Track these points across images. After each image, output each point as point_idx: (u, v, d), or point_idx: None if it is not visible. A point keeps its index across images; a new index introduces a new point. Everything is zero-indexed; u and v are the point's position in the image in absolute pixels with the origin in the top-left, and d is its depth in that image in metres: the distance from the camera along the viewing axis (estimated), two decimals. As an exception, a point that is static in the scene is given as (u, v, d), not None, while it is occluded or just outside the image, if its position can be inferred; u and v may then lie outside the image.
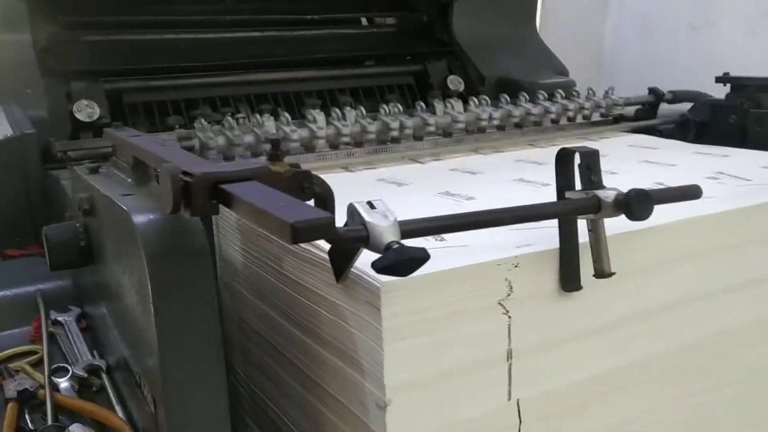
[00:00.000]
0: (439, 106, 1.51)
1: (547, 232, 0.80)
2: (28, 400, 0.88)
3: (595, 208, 0.75)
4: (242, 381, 1.10)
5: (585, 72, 3.23)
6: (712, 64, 1.71)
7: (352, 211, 0.67)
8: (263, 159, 1.08)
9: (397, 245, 0.62)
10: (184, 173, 0.54)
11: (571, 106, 1.54)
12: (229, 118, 1.25)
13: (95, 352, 0.99)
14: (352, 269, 0.73)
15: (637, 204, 0.71)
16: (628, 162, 1.22)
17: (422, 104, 1.49)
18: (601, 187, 0.77)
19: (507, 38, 2.16)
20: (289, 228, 0.44)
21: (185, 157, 0.66)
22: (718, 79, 1.48)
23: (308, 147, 1.20)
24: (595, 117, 1.63)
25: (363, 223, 0.64)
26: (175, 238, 0.68)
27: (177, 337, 0.68)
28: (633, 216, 0.72)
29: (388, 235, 0.64)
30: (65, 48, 1.67)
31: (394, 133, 1.29)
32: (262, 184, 0.54)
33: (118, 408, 0.89)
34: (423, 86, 2.06)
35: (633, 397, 0.89)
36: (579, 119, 1.60)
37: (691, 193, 0.79)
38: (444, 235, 0.81)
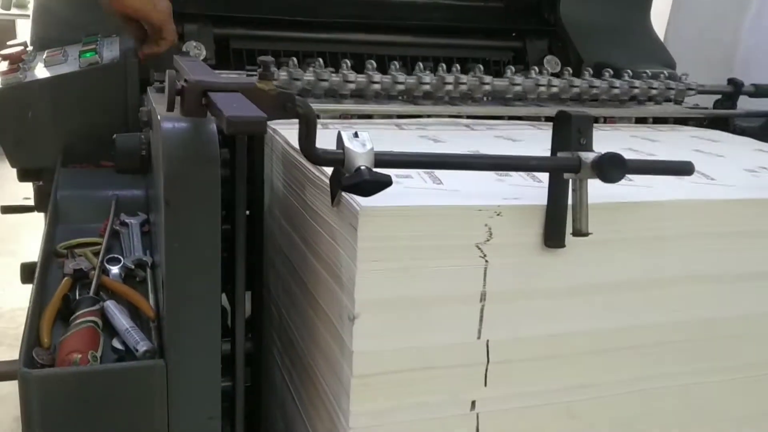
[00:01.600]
0: (518, 78, 1.55)
1: (542, 191, 0.85)
2: (80, 278, 1.04)
3: (576, 168, 0.79)
4: (274, 300, 1.22)
5: (715, 70, 3.10)
6: None
7: (339, 137, 0.75)
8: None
9: (365, 168, 0.70)
10: (182, 79, 0.64)
11: (638, 84, 1.52)
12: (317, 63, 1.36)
13: (147, 251, 1.14)
14: (345, 195, 0.81)
15: (609, 166, 0.75)
16: (677, 148, 1.22)
17: (512, 68, 1.52)
18: (590, 150, 0.81)
19: (615, 24, 2.13)
20: (225, 120, 0.53)
21: (203, 71, 0.77)
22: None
23: (364, 94, 1.29)
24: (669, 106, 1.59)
25: (343, 148, 0.73)
26: (193, 145, 0.79)
27: (182, 228, 0.79)
28: (604, 178, 0.76)
29: (361, 160, 0.72)
30: (185, -8, 1.83)
31: (449, 88, 1.34)
32: (241, 96, 0.64)
33: (151, 296, 1.03)
34: (520, 64, 2.07)
35: (603, 363, 0.92)
36: (650, 105, 1.57)
37: (679, 168, 0.81)
38: (442, 179, 0.88)
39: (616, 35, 2.11)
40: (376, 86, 1.28)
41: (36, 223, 1.79)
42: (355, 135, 0.74)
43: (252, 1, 1.94)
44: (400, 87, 1.31)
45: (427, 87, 1.32)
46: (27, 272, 1.35)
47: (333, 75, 1.27)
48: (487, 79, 1.37)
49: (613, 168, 0.75)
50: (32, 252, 1.30)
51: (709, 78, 3.00)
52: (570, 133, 0.81)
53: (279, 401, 1.21)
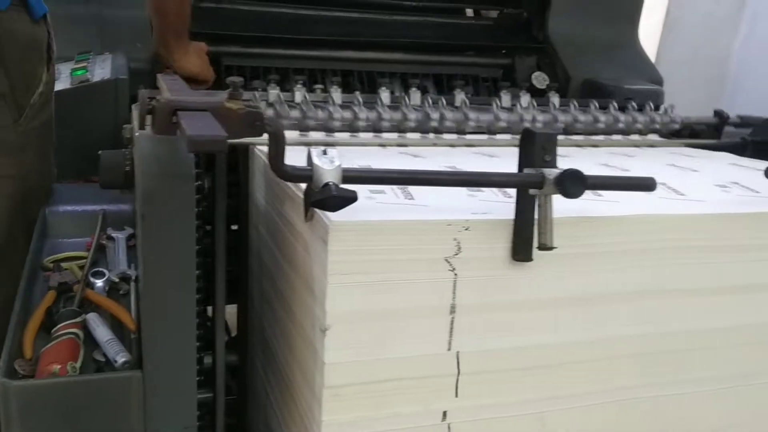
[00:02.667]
0: (505, 97, 1.58)
1: (511, 206, 0.87)
2: (65, 291, 1.06)
3: (539, 184, 0.81)
4: (256, 312, 1.24)
5: (707, 86, 3.14)
6: None
7: (308, 154, 0.78)
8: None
9: (332, 184, 0.73)
10: (152, 98, 0.67)
11: (623, 118, 1.54)
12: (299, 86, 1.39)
13: (132, 265, 1.16)
14: (317, 210, 0.83)
15: (569, 183, 0.77)
16: (652, 164, 1.25)
17: (497, 101, 1.54)
18: (554, 167, 0.83)
19: (603, 41, 2.16)
20: (186, 139, 0.55)
21: (180, 91, 0.79)
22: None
23: (352, 128, 1.32)
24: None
25: (311, 164, 0.75)
26: (168, 161, 0.81)
27: (157, 242, 0.82)
28: (565, 193, 0.78)
29: (328, 176, 0.74)
30: (178, 11, 1.87)
31: (434, 124, 1.37)
32: (209, 115, 0.66)
33: (134, 309, 1.05)
34: (509, 81, 2.10)
35: (573, 375, 0.94)
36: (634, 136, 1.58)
37: (640, 184, 0.83)
38: (414, 195, 0.90)
39: (603, 52, 2.14)
40: (362, 123, 1.31)
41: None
42: (324, 152, 0.76)
43: (244, 18, 1.98)
44: (386, 123, 1.33)
45: (412, 123, 1.34)
46: None
47: (320, 111, 1.30)
48: (472, 115, 1.39)
49: (573, 184, 0.77)
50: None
51: (701, 93, 3.03)
52: (535, 150, 0.83)
53: (262, 413, 1.23)
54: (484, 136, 1.46)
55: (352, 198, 0.72)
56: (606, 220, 0.89)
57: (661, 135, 1.62)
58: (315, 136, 1.34)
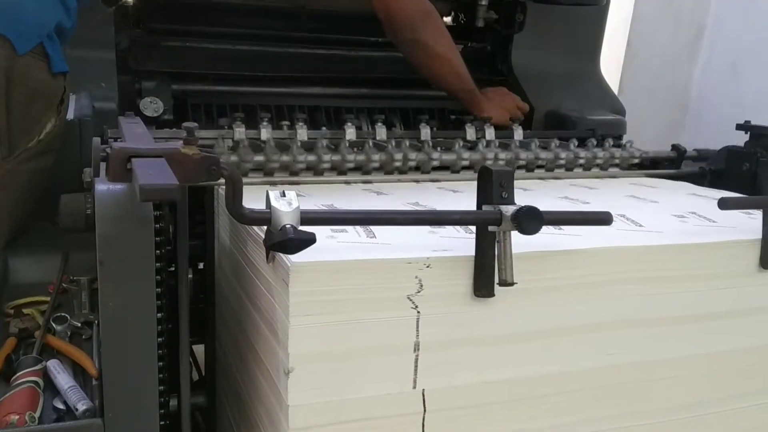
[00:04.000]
0: (470, 130, 1.60)
1: (472, 242, 0.88)
2: (25, 338, 1.04)
3: (497, 221, 0.82)
4: (224, 352, 1.23)
5: (670, 113, 3.20)
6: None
7: (267, 197, 0.78)
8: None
9: (290, 226, 0.73)
10: (106, 146, 0.67)
11: (583, 154, 1.56)
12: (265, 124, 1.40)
13: (96, 309, 1.15)
14: (278, 253, 0.83)
15: (526, 220, 0.78)
16: (612, 196, 1.27)
17: (462, 138, 1.55)
18: (512, 203, 0.84)
19: (565, 74, 2.19)
20: (138, 188, 0.55)
21: (141, 136, 0.79)
22: (738, 127, 1.48)
23: (316, 171, 1.33)
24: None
25: (269, 206, 0.76)
26: (126, 207, 0.81)
27: (116, 288, 0.81)
28: (523, 230, 0.79)
29: (287, 218, 0.75)
30: (143, 50, 1.88)
31: (398, 164, 1.38)
32: (164, 161, 0.66)
33: (96, 354, 1.03)
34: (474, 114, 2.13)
35: (539, 409, 0.94)
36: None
37: (598, 219, 0.84)
38: (376, 233, 0.91)
39: (566, 84, 2.17)
40: (326, 165, 1.32)
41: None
42: (283, 194, 0.77)
43: (210, 56, 1.98)
44: (350, 165, 1.34)
45: (376, 164, 1.36)
46: None
47: (284, 155, 1.30)
48: (435, 155, 1.41)
49: (529, 221, 0.78)
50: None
51: (665, 121, 3.09)
52: (492, 187, 0.84)
53: (230, 455, 1.21)
54: (451, 177, 1.47)
55: (310, 240, 0.72)
56: (566, 253, 0.90)
57: (621, 169, 1.65)
58: (279, 178, 1.34)
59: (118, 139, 1.37)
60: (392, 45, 2.23)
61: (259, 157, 1.29)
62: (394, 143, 1.43)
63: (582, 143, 1.63)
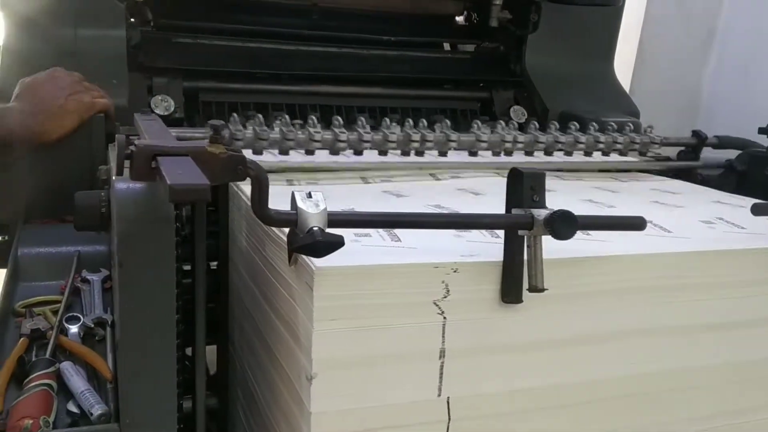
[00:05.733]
0: (484, 129, 1.58)
1: (500, 247, 0.86)
2: (37, 338, 1.02)
3: (529, 225, 0.79)
4: (238, 355, 1.21)
5: (681, 115, 3.18)
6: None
7: (292, 198, 0.75)
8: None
9: (317, 229, 0.71)
10: (130, 143, 0.65)
11: (603, 138, 1.54)
12: (283, 119, 1.38)
13: (108, 309, 1.12)
14: (302, 255, 0.81)
15: (560, 224, 0.76)
16: (636, 200, 1.24)
17: (478, 123, 1.54)
18: (543, 207, 0.82)
19: (580, 75, 2.18)
20: (167, 188, 0.53)
21: (158, 133, 0.77)
22: (761, 130, 1.46)
23: (332, 149, 1.30)
24: (635, 155, 1.62)
25: (296, 208, 0.73)
26: (146, 206, 0.79)
27: (135, 289, 0.79)
28: (556, 235, 0.77)
29: (314, 220, 0.72)
30: (154, 47, 1.85)
31: (415, 144, 1.35)
32: (190, 160, 0.64)
33: (110, 356, 1.01)
34: (487, 114, 2.11)
35: (565, 418, 0.92)
36: (614, 155, 1.59)
37: (631, 224, 0.82)
38: (400, 236, 0.88)
39: (580, 85, 2.15)
40: (343, 144, 1.29)
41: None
42: (309, 195, 0.74)
43: (222, 54, 1.96)
44: (367, 144, 1.32)
45: (393, 144, 1.33)
46: None
47: (300, 133, 1.28)
48: (454, 136, 1.38)
49: (564, 225, 0.76)
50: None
51: (676, 124, 3.08)
52: (523, 190, 0.82)
53: (243, 460, 1.19)
54: (466, 157, 1.46)
55: (338, 243, 0.70)
56: (596, 260, 0.87)
57: (641, 155, 1.63)
58: (295, 158, 1.33)
59: (133, 137, 1.36)
60: (405, 44, 2.22)
61: (275, 135, 1.26)
62: (411, 123, 1.41)
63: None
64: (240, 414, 1.21)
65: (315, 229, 0.70)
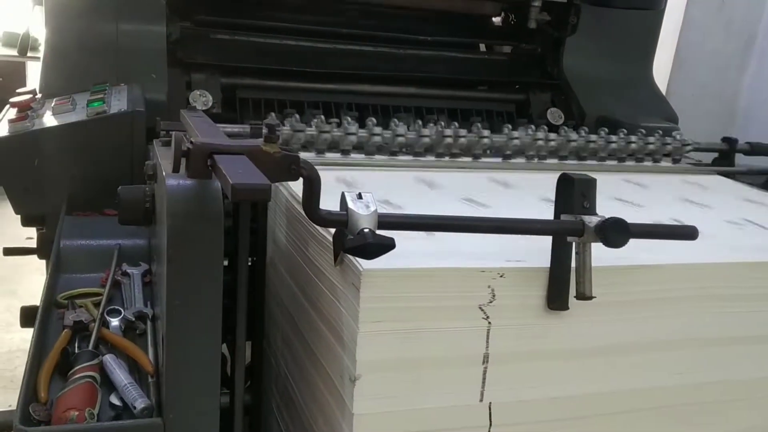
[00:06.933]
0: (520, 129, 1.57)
1: (545, 251, 0.85)
2: (80, 330, 1.03)
3: (579, 232, 0.79)
4: (273, 352, 1.21)
5: (717, 122, 3.14)
6: None
7: (342, 199, 0.75)
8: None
9: (368, 230, 0.70)
10: (188, 141, 0.65)
11: (635, 139, 1.53)
12: (319, 118, 1.38)
13: (149, 303, 1.13)
14: (348, 256, 0.81)
15: (612, 232, 0.75)
16: (665, 198, 1.22)
17: (509, 126, 1.54)
18: (593, 214, 0.81)
19: (618, 79, 2.15)
20: (230, 187, 0.53)
21: (210, 131, 0.77)
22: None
23: (366, 148, 1.30)
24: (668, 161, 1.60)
25: (346, 209, 0.73)
26: (196, 203, 0.79)
27: (183, 285, 0.79)
28: (608, 243, 0.76)
29: (365, 222, 0.72)
30: (193, 42, 1.87)
31: (449, 140, 1.35)
32: (246, 159, 0.64)
33: (150, 350, 1.02)
34: (523, 116, 2.09)
35: (606, 426, 0.91)
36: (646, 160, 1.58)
37: (683, 233, 0.81)
38: (444, 238, 0.88)
39: (618, 89, 2.13)
40: (377, 139, 1.29)
41: (38, 263, 1.79)
42: (359, 196, 0.74)
43: (260, 51, 1.97)
44: (401, 140, 1.31)
45: (426, 141, 1.32)
46: (27, 316, 1.34)
47: (335, 129, 1.28)
48: (486, 133, 1.38)
49: (616, 233, 0.75)
50: (33, 293, 1.29)
51: (712, 129, 3.04)
52: (573, 196, 0.81)
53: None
54: (499, 159, 1.46)
55: (389, 246, 0.70)
56: (647, 268, 0.86)
57: (675, 162, 1.62)
58: (329, 156, 1.33)
59: (175, 131, 1.37)
60: (441, 44, 2.21)
61: (311, 131, 1.27)
62: (444, 124, 1.40)
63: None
64: (274, 409, 1.22)
65: (366, 230, 0.70)
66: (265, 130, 0.70)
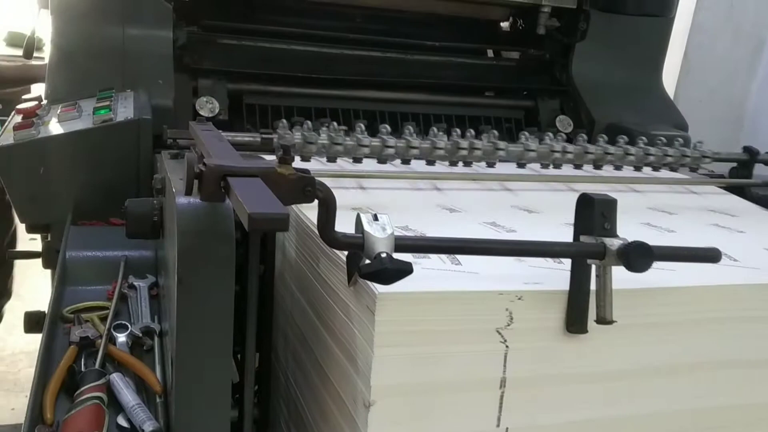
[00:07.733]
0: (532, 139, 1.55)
1: (563, 273, 0.83)
2: (86, 346, 1.01)
3: (600, 255, 0.76)
4: (282, 366, 1.19)
5: (724, 127, 3.12)
6: None
7: (358, 220, 0.73)
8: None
9: (385, 255, 0.68)
10: (201, 162, 0.63)
11: (653, 151, 1.51)
12: (331, 126, 1.35)
13: (156, 317, 1.11)
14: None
15: (635, 256, 0.73)
16: (695, 223, 1.20)
17: (525, 134, 1.52)
18: (614, 235, 0.78)
19: (627, 86, 2.13)
20: (246, 216, 0.51)
21: (223, 150, 0.75)
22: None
23: (380, 158, 1.28)
24: (684, 170, 1.59)
25: (362, 231, 0.71)
26: (207, 222, 0.77)
27: (194, 306, 0.77)
28: (631, 267, 0.74)
29: (381, 245, 0.70)
30: (200, 48, 1.85)
31: (464, 153, 1.33)
32: (261, 182, 0.62)
33: (158, 368, 1.00)
34: (532, 123, 2.07)
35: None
36: (664, 170, 1.56)
37: (706, 255, 0.79)
38: (461, 260, 0.86)
39: (628, 96, 2.11)
40: (390, 150, 1.27)
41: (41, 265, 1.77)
42: (375, 218, 0.72)
43: (265, 56, 1.95)
44: (415, 152, 1.29)
45: (441, 152, 1.30)
46: (31, 322, 1.33)
47: (347, 139, 1.26)
48: (502, 144, 1.35)
49: (639, 257, 0.73)
50: (37, 297, 1.28)
51: (719, 135, 3.02)
52: (594, 217, 0.79)
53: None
54: (514, 168, 1.44)
55: (408, 271, 0.68)
56: (667, 291, 0.84)
57: (692, 170, 1.60)
58: (342, 165, 1.31)
59: (184, 139, 1.34)
60: (449, 50, 2.19)
61: (323, 140, 1.24)
62: (459, 132, 1.39)
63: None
64: (282, 426, 1.20)
65: (383, 255, 0.68)
66: (279, 153, 0.68)
